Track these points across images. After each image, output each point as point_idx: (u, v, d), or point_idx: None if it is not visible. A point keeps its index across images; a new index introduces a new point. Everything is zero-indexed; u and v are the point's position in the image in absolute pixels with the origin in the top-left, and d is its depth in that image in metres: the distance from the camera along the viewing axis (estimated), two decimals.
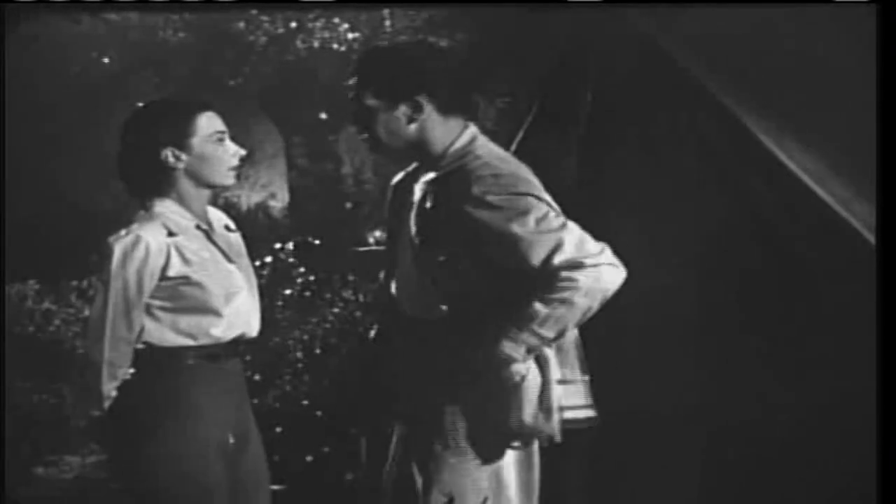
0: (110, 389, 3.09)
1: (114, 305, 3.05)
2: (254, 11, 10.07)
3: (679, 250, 3.93)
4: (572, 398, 3.12)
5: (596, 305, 3.03)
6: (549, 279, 2.99)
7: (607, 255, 3.04)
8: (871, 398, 3.17)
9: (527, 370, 3.03)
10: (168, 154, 3.11)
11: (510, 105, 7.87)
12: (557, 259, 2.99)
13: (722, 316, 3.86)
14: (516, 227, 3.00)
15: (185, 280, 3.08)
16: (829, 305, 3.61)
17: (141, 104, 3.23)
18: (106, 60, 10.92)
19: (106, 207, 8.86)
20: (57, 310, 7.68)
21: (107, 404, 3.09)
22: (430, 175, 3.16)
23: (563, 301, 2.98)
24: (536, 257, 2.99)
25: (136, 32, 10.77)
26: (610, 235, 3.96)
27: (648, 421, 4.03)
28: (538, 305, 2.98)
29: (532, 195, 3.05)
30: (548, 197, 3.10)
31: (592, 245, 3.04)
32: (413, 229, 3.15)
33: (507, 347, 3.01)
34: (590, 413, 3.16)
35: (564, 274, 2.98)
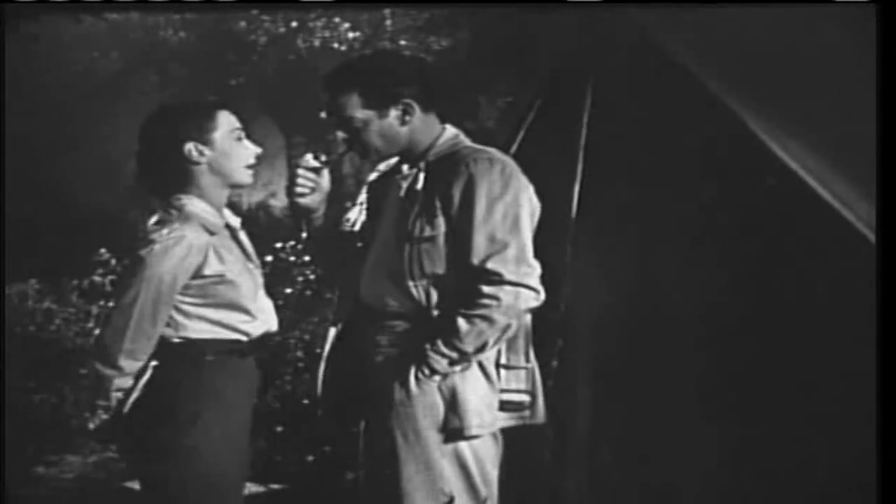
0: (122, 383, 3.12)
1: (142, 302, 3.06)
2: (254, 11, 10.08)
3: (680, 251, 3.93)
4: (513, 382, 3.24)
5: (514, 323, 3.15)
6: (473, 293, 3.10)
7: (534, 277, 3.15)
8: (872, 399, 3.17)
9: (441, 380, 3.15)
10: (191, 148, 3.14)
11: (511, 105, 7.88)
12: (492, 264, 3.09)
13: (723, 316, 3.86)
14: (481, 213, 3.11)
15: (221, 278, 3.12)
16: (831, 307, 3.61)
17: (157, 106, 3.27)
18: (107, 60, 10.93)
19: (108, 207, 8.87)
20: (58, 309, 7.69)
21: (119, 395, 3.12)
22: (421, 163, 3.24)
23: (484, 318, 3.10)
24: (477, 255, 3.11)
25: (138, 32, 10.79)
26: (611, 236, 3.98)
27: (650, 420, 4.03)
28: (460, 321, 3.10)
29: (515, 190, 3.15)
30: (526, 198, 3.19)
31: (528, 263, 3.15)
32: (398, 214, 3.22)
33: (431, 359, 3.12)
34: (525, 397, 3.26)
35: (488, 290, 3.09)
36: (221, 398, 3.13)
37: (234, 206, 3.36)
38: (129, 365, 3.10)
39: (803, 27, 3.79)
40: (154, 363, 3.13)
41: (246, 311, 3.18)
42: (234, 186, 3.25)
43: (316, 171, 3.31)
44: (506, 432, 3.29)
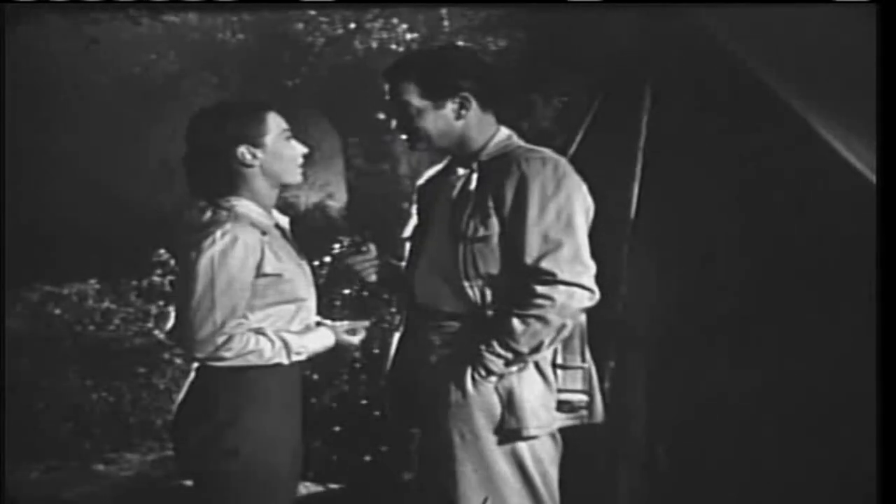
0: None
1: (197, 302, 3.02)
2: (312, 12, 10.12)
3: (739, 251, 3.91)
4: (569, 382, 3.25)
5: (569, 323, 3.15)
6: (527, 293, 3.09)
7: (588, 277, 3.13)
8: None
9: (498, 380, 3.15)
10: (244, 152, 3.14)
11: (567, 105, 7.86)
12: (545, 263, 3.09)
13: (783, 317, 3.83)
14: (534, 212, 3.11)
15: (280, 277, 3.11)
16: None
17: (203, 106, 3.25)
18: (165, 61, 11.03)
19: (166, 207, 8.95)
20: (117, 309, 7.77)
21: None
22: (473, 163, 3.24)
23: (539, 318, 3.09)
24: (531, 255, 3.10)
25: (196, 34, 10.87)
26: (669, 237, 3.97)
27: (707, 421, 4.01)
28: (515, 321, 3.10)
29: (568, 189, 3.14)
30: (580, 197, 3.18)
31: (582, 262, 3.13)
32: (450, 215, 3.22)
33: (487, 360, 3.12)
34: (582, 397, 3.27)
35: (541, 290, 3.09)
36: (263, 399, 3.11)
37: (291, 207, 3.37)
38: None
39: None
40: (197, 364, 3.12)
41: (304, 302, 3.17)
42: (285, 186, 3.26)
43: (362, 251, 3.39)
44: (563, 433, 3.28)
